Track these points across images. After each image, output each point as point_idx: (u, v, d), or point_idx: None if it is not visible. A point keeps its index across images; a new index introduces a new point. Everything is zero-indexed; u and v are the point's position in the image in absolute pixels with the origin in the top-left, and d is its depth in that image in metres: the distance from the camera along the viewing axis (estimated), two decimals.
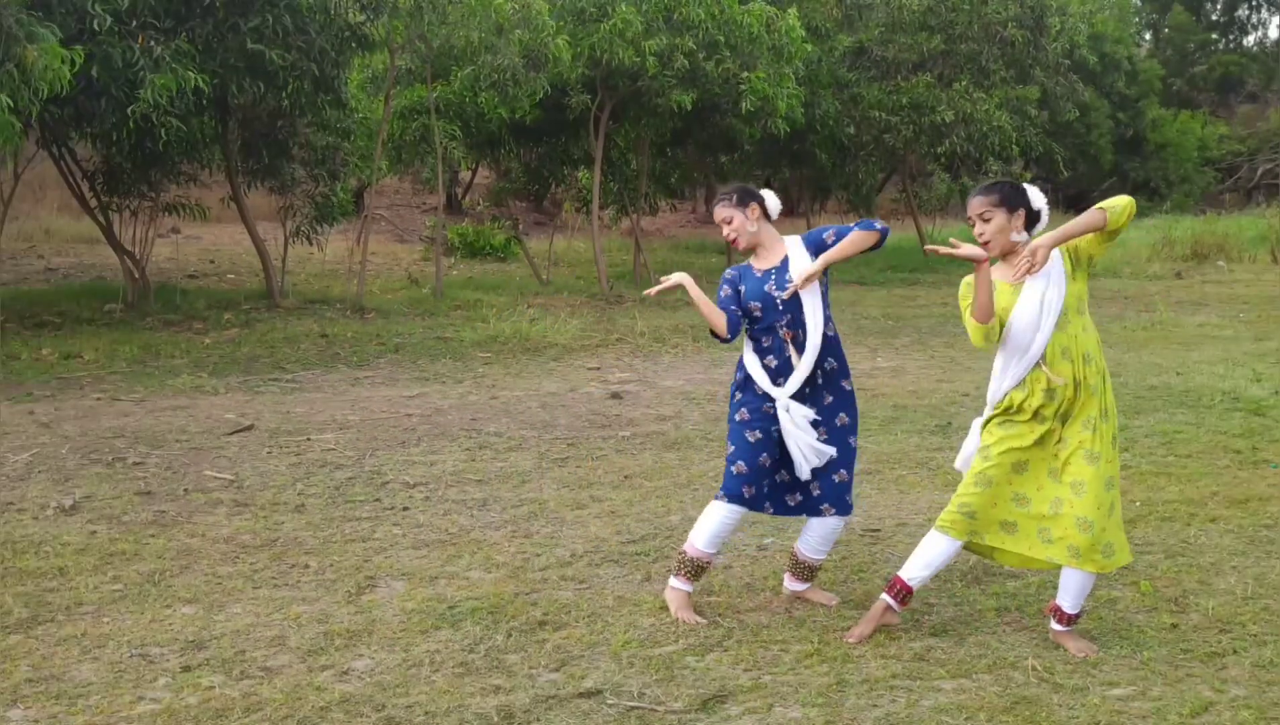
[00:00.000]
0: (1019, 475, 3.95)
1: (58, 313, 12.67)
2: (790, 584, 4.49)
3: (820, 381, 4.31)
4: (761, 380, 4.30)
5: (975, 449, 4.08)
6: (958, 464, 4.25)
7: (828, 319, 4.32)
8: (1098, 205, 3.89)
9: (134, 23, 10.82)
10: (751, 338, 4.42)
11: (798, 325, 4.27)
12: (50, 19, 9.57)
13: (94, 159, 14.16)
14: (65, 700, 3.62)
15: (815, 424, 4.28)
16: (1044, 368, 3.87)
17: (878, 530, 5.40)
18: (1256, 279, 19.40)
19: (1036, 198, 4.03)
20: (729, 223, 4.38)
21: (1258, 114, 38.69)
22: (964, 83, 19.65)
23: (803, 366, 4.26)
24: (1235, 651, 3.91)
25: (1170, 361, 10.66)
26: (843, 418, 4.32)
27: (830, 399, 4.32)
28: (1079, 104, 25.46)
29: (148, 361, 10.63)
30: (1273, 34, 49.49)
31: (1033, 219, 4.02)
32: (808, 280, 4.23)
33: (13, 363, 10.28)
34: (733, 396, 4.42)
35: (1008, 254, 3.98)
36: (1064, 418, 3.91)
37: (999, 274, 3.99)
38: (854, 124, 19.50)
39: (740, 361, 4.43)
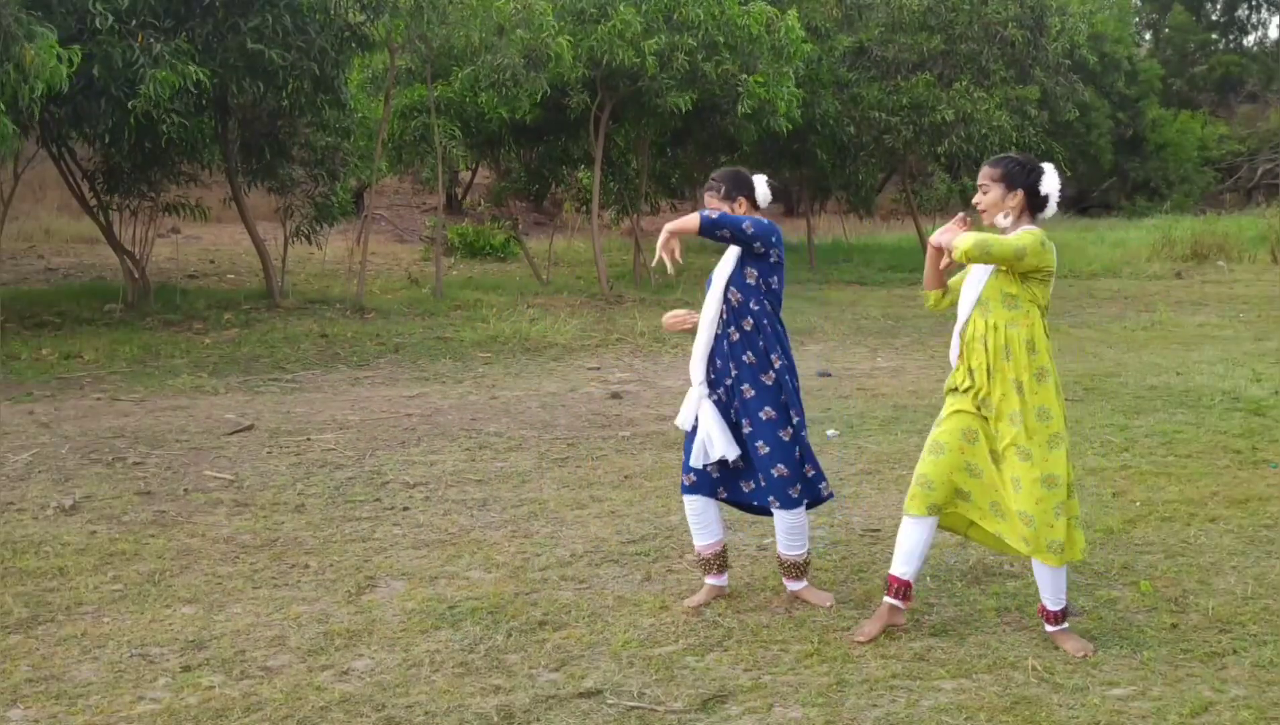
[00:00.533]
0: (971, 445, 3.99)
1: (58, 313, 12.67)
2: (787, 583, 4.49)
3: (736, 373, 4.29)
4: (691, 367, 4.43)
5: None
6: None
7: (745, 313, 4.26)
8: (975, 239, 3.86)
9: (134, 22, 10.82)
10: None
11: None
12: (50, 18, 9.57)
13: (94, 159, 14.15)
14: (65, 700, 3.62)
15: (738, 420, 4.30)
16: (957, 342, 4.03)
17: (878, 530, 5.40)
18: (1256, 279, 19.40)
19: (1048, 182, 4.02)
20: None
21: (1258, 114, 38.65)
22: (964, 83, 19.65)
23: (695, 353, 4.35)
24: (1235, 651, 3.91)
25: (1170, 361, 10.66)
26: (768, 412, 4.25)
27: (751, 393, 4.27)
28: (1079, 104, 25.44)
29: (148, 361, 10.63)
30: (1273, 34, 49.47)
31: (1038, 204, 4.03)
32: (662, 244, 4.19)
33: (13, 363, 10.28)
34: None
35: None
36: (986, 408, 3.96)
37: None
38: (854, 124, 19.49)
39: None
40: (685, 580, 4.70)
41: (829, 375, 9.86)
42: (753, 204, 4.42)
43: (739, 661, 3.89)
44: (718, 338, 4.32)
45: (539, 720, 3.48)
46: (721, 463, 4.33)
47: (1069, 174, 26.29)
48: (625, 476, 6.49)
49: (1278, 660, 3.83)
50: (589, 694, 3.64)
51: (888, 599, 4.07)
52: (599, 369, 10.71)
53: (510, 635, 4.12)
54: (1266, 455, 6.77)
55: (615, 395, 9.16)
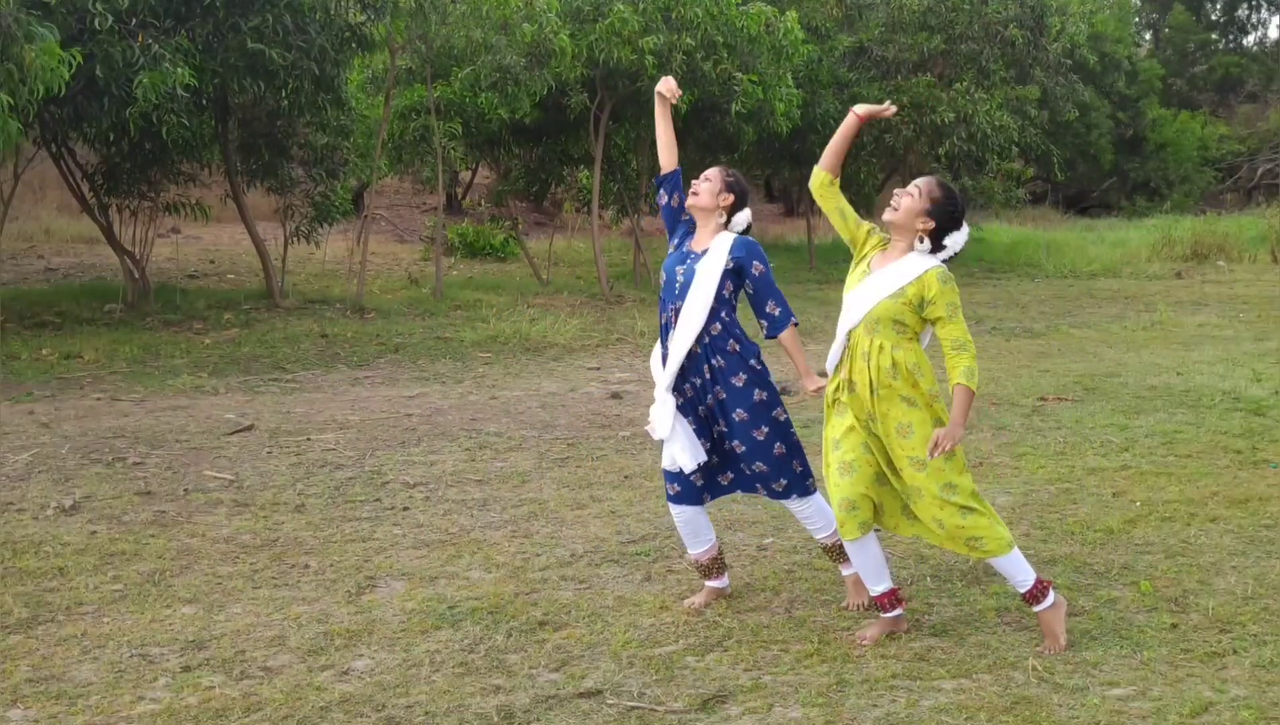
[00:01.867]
0: (870, 456, 3.98)
1: (57, 313, 12.67)
2: (843, 570, 4.46)
3: (708, 376, 4.26)
4: (654, 369, 4.36)
5: None
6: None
7: (720, 319, 4.23)
8: (963, 382, 3.84)
9: (134, 22, 10.82)
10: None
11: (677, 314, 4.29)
12: (50, 19, 9.57)
13: (94, 159, 14.15)
14: (65, 700, 3.62)
15: (707, 424, 4.28)
16: (840, 356, 4.02)
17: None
18: (1256, 279, 19.40)
19: (956, 239, 4.00)
20: (706, 180, 4.36)
21: (1258, 114, 38.65)
22: (964, 83, 19.65)
23: (671, 355, 4.27)
24: (1235, 651, 3.91)
25: (1170, 361, 10.66)
26: (740, 413, 4.21)
27: (723, 395, 4.24)
28: (1079, 104, 25.46)
29: (148, 361, 10.63)
30: (1273, 34, 49.44)
31: (938, 247, 3.99)
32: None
33: (13, 363, 10.28)
34: None
35: (900, 234, 3.99)
36: (874, 422, 3.94)
37: (880, 255, 4.02)
38: None
39: None
40: (685, 580, 4.70)
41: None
42: (730, 213, 4.36)
43: (739, 661, 3.89)
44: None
45: (539, 720, 3.48)
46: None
47: (1065, 176, 26.39)
48: (625, 476, 6.49)
49: (1278, 660, 3.83)
50: (589, 694, 3.64)
51: (884, 615, 4.09)
52: (599, 369, 10.71)
53: (510, 635, 4.12)
54: (1267, 455, 6.77)
55: (615, 395, 9.16)
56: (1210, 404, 8.38)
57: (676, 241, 4.45)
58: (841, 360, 4.02)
